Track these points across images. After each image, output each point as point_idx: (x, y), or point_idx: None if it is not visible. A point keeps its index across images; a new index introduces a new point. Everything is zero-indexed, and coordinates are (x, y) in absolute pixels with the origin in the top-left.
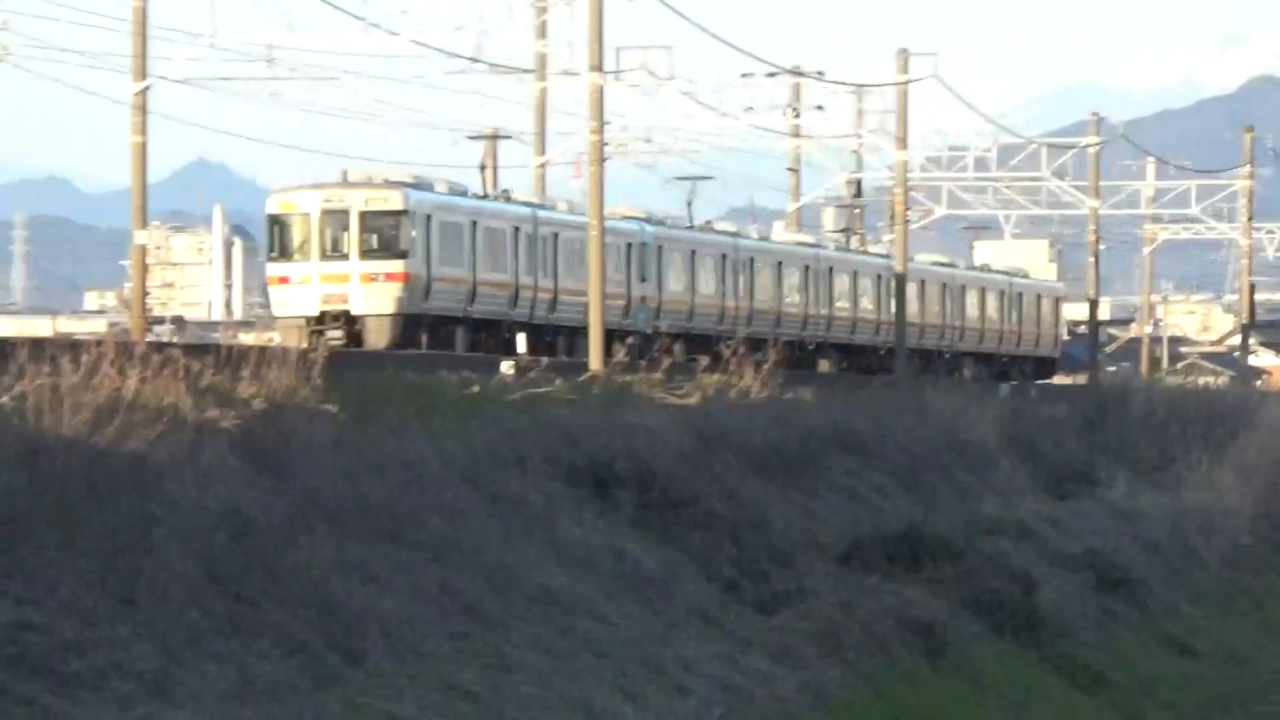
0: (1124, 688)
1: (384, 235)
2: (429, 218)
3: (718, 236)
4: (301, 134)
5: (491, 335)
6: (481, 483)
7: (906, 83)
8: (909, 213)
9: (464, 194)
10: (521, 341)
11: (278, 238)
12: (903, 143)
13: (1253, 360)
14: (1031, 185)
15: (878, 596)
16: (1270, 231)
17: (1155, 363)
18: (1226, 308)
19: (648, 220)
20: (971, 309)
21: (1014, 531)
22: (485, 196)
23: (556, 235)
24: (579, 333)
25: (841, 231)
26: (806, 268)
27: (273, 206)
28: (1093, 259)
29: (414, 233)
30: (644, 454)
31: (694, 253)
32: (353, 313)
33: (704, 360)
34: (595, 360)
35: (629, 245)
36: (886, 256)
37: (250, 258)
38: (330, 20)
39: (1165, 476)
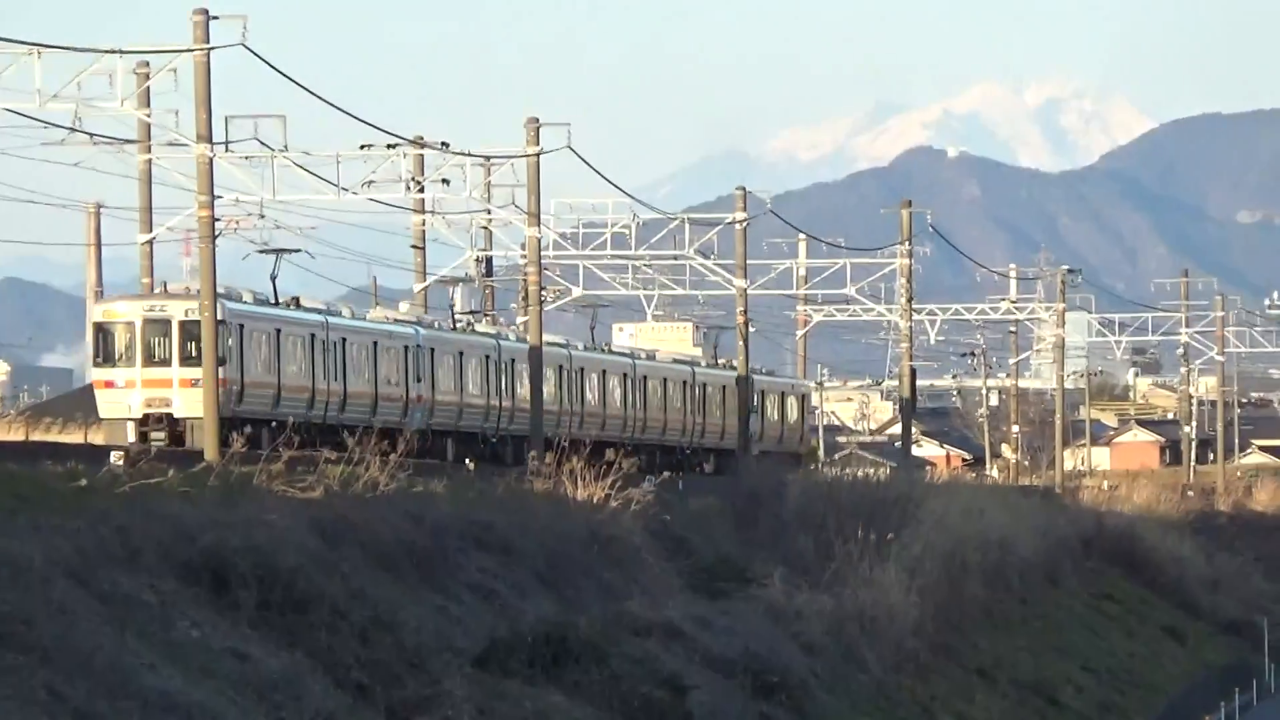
0: None
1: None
2: (242, 327)
3: (482, 338)
4: None
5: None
6: (91, 581)
7: (538, 154)
8: (544, 293)
9: (268, 303)
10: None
11: (102, 344)
12: (535, 218)
13: (916, 450)
14: (675, 264)
15: (517, 702)
16: (932, 313)
17: (811, 453)
18: (886, 394)
19: (419, 324)
20: (713, 406)
21: (663, 632)
22: (277, 304)
23: (344, 340)
24: (368, 431)
25: (471, 314)
26: (560, 367)
27: (97, 315)
28: (741, 342)
29: (230, 341)
30: (265, 550)
31: (461, 354)
32: (175, 415)
33: (326, 452)
34: (210, 450)
35: (405, 348)
36: (630, 355)
37: None
38: None
39: (824, 574)
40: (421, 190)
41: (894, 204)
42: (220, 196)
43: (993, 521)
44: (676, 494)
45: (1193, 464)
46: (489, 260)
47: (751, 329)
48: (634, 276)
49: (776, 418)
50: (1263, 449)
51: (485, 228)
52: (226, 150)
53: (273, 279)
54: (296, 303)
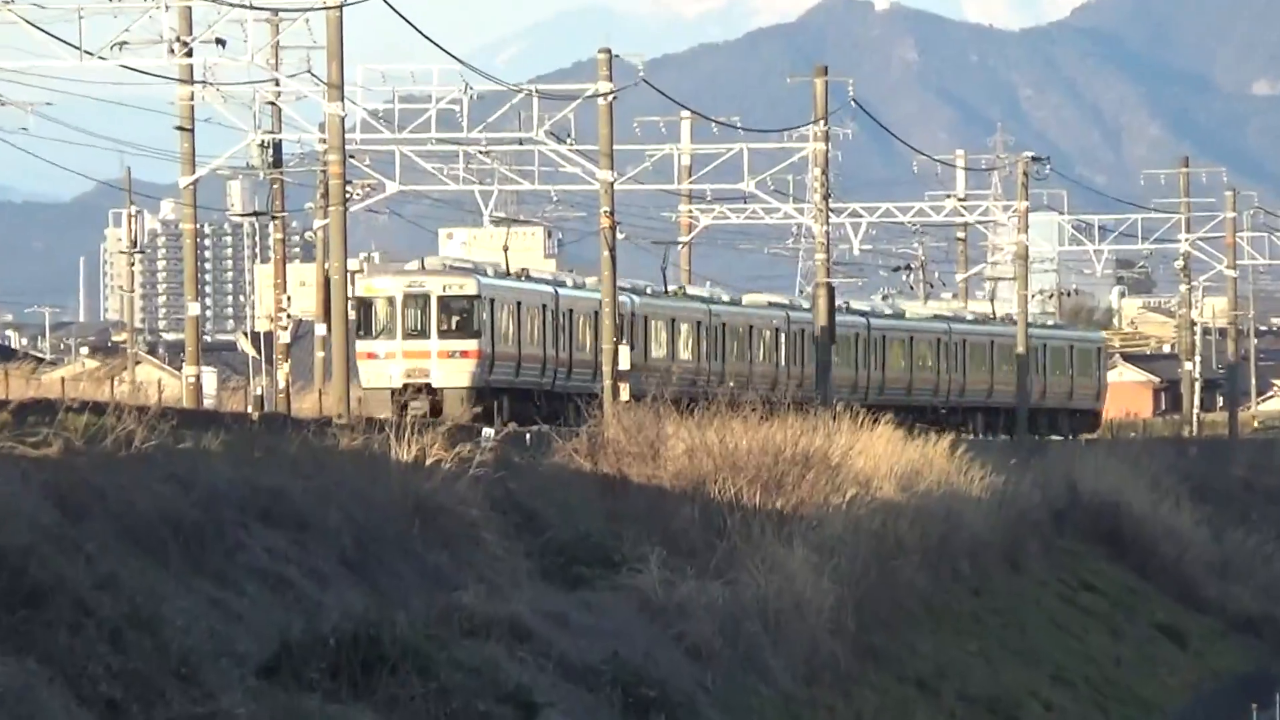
0: None
1: (460, 317)
2: (493, 300)
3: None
4: None
5: (528, 404)
6: None
7: (340, 6)
8: (350, 188)
9: (506, 275)
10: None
11: (364, 318)
12: (337, 91)
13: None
14: (519, 150)
15: None
16: (855, 214)
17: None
18: None
19: (633, 291)
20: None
21: (506, 632)
22: (509, 275)
23: (572, 310)
24: (586, 397)
25: (254, 215)
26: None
27: (360, 290)
28: (608, 252)
29: (484, 315)
30: None
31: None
32: (433, 385)
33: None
34: None
35: (621, 316)
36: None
37: None
38: None
39: (715, 556)
40: (190, 54)
41: (805, 71)
42: None
43: (935, 485)
44: (524, 451)
45: (1196, 411)
46: (277, 146)
47: (620, 235)
48: (466, 167)
49: (1063, 374)
50: None
51: (272, 103)
52: None
53: (505, 249)
54: (526, 274)
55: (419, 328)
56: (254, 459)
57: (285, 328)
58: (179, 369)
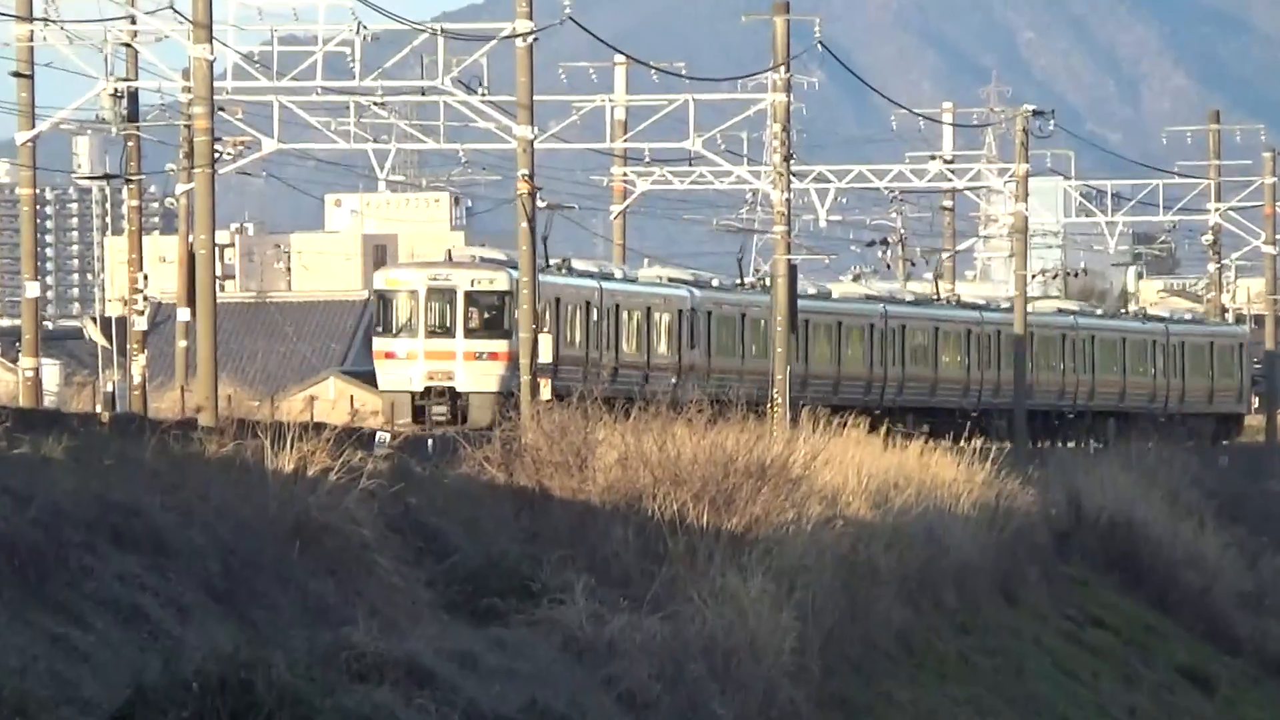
0: None
1: (488, 314)
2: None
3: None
4: None
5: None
6: None
7: None
8: (220, 146)
9: (544, 269)
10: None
11: (383, 313)
12: (205, 30)
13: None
14: (422, 101)
15: None
16: (822, 179)
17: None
18: None
19: (695, 284)
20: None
21: (403, 675)
22: (548, 265)
23: (618, 306)
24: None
25: (105, 178)
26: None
27: (380, 283)
28: (526, 223)
29: (516, 313)
30: None
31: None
32: (457, 389)
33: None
34: None
35: (679, 311)
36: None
37: None
38: None
39: (653, 586)
40: None
41: (763, 8)
42: None
43: (915, 502)
44: (428, 458)
45: None
46: (133, 96)
47: (542, 202)
48: (358, 121)
49: (1203, 375)
50: None
51: (128, 45)
52: None
53: (543, 239)
54: (568, 265)
55: (444, 326)
56: (104, 468)
57: (141, 312)
58: (14, 361)
